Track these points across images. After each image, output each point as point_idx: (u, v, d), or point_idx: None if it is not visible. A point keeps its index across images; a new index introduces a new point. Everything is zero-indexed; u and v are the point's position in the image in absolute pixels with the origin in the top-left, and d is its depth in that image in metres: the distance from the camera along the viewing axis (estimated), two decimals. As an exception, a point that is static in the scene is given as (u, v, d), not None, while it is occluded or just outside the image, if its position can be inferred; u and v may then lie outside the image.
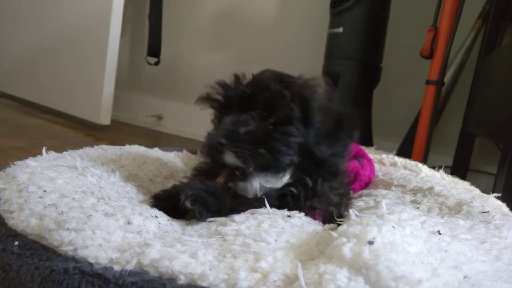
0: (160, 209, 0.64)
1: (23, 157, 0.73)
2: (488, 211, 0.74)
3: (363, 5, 1.62)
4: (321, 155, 0.68)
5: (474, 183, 1.03)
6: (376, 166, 1.08)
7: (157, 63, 2.48)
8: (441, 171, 1.08)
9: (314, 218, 0.68)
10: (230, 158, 0.63)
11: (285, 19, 2.21)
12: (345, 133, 0.71)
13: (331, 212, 0.70)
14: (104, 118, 2.14)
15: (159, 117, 2.63)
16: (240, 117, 0.66)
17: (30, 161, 0.69)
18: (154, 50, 2.46)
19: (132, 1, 2.68)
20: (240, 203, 0.65)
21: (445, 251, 0.50)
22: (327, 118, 0.68)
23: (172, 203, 0.64)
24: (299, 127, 0.66)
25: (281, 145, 0.64)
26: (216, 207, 0.62)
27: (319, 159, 0.68)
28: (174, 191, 0.68)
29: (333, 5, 1.69)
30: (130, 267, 0.45)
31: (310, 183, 0.68)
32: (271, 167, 0.65)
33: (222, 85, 0.69)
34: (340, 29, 1.66)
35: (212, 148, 0.64)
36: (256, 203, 0.65)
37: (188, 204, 0.59)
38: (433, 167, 1.12)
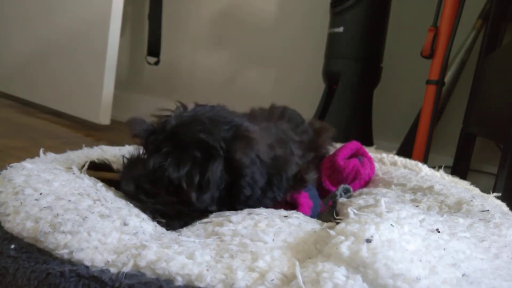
0: None
1: (22, 157, 0.74)
2: (488, 210, 0.73)
3: (363, 5, 1.62)
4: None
5: (474, 183, 1.02)
6: (376, 165, 1.08)
7: (157, 63, 2.48)
8: (441, 171, 1.07)
9: None
10: None
11: (285, 19, 2.21)
12: (275, 190, 0.67)
13: None
14: (104, 118, 2.13)
15: (159, 118, 2.62)
16: None
17: (27, 164, 0.69)
18: (154, 50, 2.46)
19: (132, 1, 2.68)
20: (194, 209, 0.63)
21: (444, 249, 0.50)
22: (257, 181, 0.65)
23: None
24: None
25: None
26: (177, 214, 0.61)
27: None
28: None
29: (333, 4, 1.68)
30: (126, 269, 0.44)
31: None
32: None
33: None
34: (340, 29, 1.66)
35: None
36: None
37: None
38: (433, 167, 1.12)
